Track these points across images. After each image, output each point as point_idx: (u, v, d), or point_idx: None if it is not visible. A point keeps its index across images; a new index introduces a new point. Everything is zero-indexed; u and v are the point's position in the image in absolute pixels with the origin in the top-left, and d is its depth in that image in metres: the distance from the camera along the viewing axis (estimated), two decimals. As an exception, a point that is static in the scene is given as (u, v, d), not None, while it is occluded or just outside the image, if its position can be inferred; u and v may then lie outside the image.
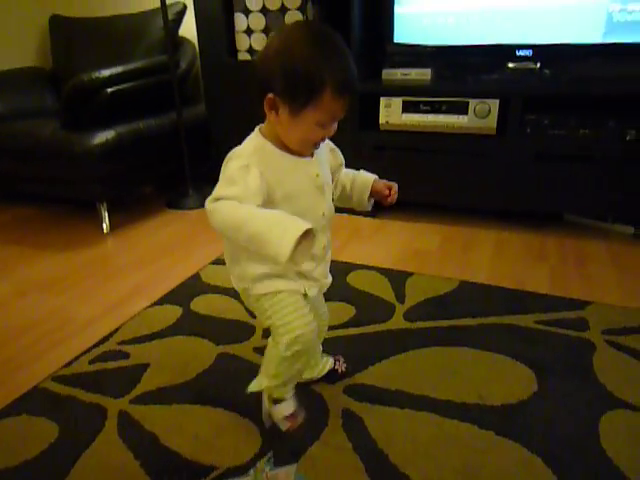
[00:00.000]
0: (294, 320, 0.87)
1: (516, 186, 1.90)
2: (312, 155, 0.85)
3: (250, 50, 2.16)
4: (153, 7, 2.41)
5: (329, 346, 1.19)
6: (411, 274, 1.63)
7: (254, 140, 0.83)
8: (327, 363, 1.15)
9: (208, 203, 0.77)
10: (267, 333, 1.32)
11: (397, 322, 1.37)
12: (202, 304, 1.49)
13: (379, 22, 2.11)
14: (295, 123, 0.77)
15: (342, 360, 1.18)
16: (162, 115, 2.30)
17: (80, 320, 1.45)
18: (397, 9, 2.05)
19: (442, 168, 1.98)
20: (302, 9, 2.03)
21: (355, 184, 0.97)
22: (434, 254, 1.80)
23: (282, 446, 0.95)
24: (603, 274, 1.61)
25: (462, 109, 1.87)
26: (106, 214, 2.10)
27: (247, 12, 2.10)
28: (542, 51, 1.91)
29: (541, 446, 0.95)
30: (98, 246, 1.99)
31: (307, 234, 0.69)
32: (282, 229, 0.69)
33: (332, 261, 0.98)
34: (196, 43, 2.33)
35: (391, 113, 1.97)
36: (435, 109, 1.91)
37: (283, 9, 2.05)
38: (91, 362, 1.25)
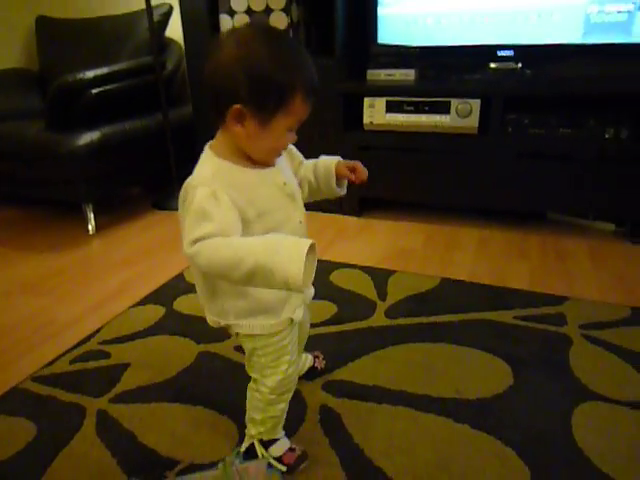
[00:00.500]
0: (279, 365, 0.84)
1: (498, 185, 1.92)
2: (274, 164, 0.80)
3: (235, 51, 2.16)
4: (139, 8, 2.41)
5: (309, 343, 1.19)
6: (394, 272, 1.64)
7: (209, 163, 0.76)
8: (307, 360, 1.16)
9: (187, 247, 0.69)
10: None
11: (378, 319, 1.38)
12: (185, 304, 1.50)
13: (363, 23, 2.13)
14: (265, 132, 0.72)
15: (321, 357, 1.19)
16: (148, 116, 2.30)
17: (62, 321, 1.46)
18: (380, 10, 2.07)
19: (426, 167, 2.00)
20: (286, 10, 2.04)
21: (318, 174, 0.91)
22: (417, 252, 1.81)
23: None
24: (582, 270, 1.64)
25: (444, 109, 1.88)
26: (92, 215, 2.10)
27: (232, 13, 2.11)
28: (523, 51, 1.93)
29: (514, 438, 0.96)
30: (83, 247, 1.99)
31: (311, 250, 0.64)
32: (285, 254, 0.63)
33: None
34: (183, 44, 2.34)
35: (375, 113, 1.99)
36: (418, 109, 1.93)
37: (268, 10, 2.06)
38: (72, 362, 1.25)
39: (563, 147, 1.81)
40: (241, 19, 2.09)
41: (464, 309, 1.41)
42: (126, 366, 1.22)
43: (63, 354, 1.28)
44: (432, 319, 1.37)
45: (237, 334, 0.85)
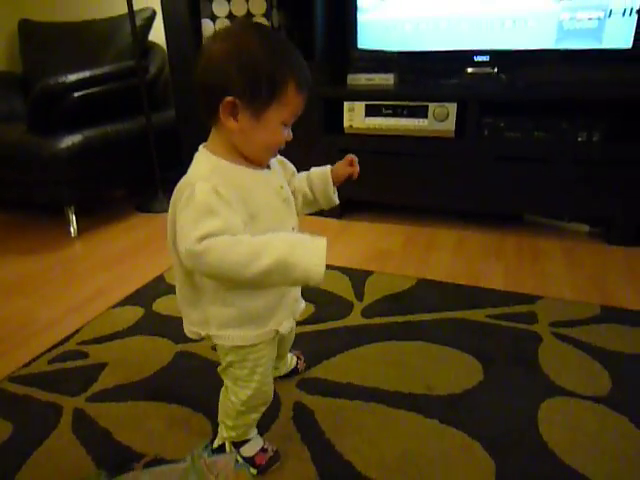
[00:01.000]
0: (252, 381, 0.83)
1: (476, 187, 1.96)
2: (268, 167, 0.80)
3: (217, 55, 2.19)
4: (123, 12, 2.42)
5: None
6: (372, 273, 1.67)
7: (205, 161, 0.74)
8: (292, 361, 1.17)
9: (193, 244, 0.65)
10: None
11: (354, 319, 1.41)
12: (164, 305, 1.51)
13: (343, 28, 2.16)
14: (259, 125, 0.71)
15: (303, 359, 1.20)
16: (131, 119, 2.31)
17: (42, 322, 1.46)
18: (360, 16, 2.10)
19: (405, 170, 2.03)
20: (268, 15, 2.07)
21: (314, 184, 0.90)
22: (396, 253, 1.84)
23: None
24: (556, 270, 1.68)
25: (422, 113, 1.92)
26: (74, 217, 2.11)
27: (214, 18, 2.14)
28: (498, 56, 1.98)
29: (481, 432, 0.99)
30: (65, 249, 1.99)
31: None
32: (305, 248, 0.64)
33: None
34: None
35: (354, 117, 2.02)
36: (397, 113, 1.96)
37: (249, 15, 2.08)
38: (50, 362, 1.26)
39: (538, 150, 1.85)
40: (223, 24, 2.12)
41: (438, 308, 1.44)
42: (104, 366, 1.24)
43: (41, 354, 1.29)
44: (407, 318, 1.40)
45: (216, 345, 0.83)
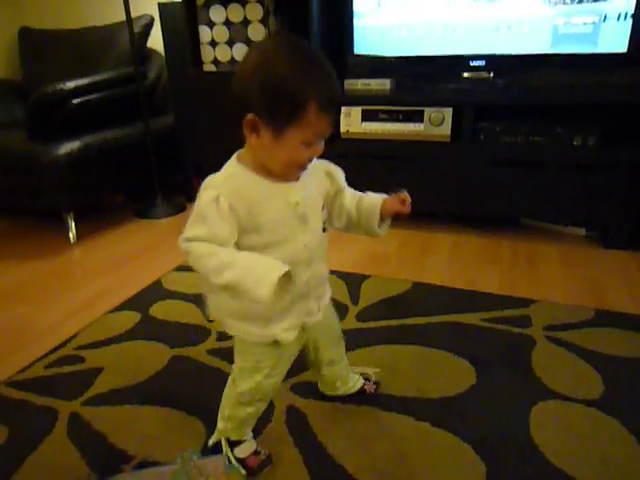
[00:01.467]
0: (254, 376, 0.87)
1: (472, 191, 1.96)
2: (297, 179, 0.79)
3: (215, 61, 2.21)
4: (122, 19, 2.45)
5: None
6: (368, 277, 1.68)
7: (228, 167, 0.77)
8: (357, 382, 1.11)
9: (181, 242, 0.74)
10: (222, 337, 1.36)
11: (349, 322, 1.41)
12: (161, 309, 1.52)
13: (340, 34, 2.18)
14: (278, 144, 0.71)
15: (373, 381, 1.13)
16: (130, 125, 2.33)
17: (40, 327, 1.47)
18: (356, 22, 2.12)
19: (402, 174, 2.04)
20: (264, 22, 2.09)
21: (361, 210, 0.87)
22: (392, 258, 1.85)
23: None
24: (551, 274, 1.68)
25: (418, 117, 1.93)
26: (73, 224, 2.12)
27: (211, 25, 2.16)
28: (494, 61, 1.99)
29: (473, 435, 1.00)
30: (64, 255, 2.01)
31: (286, 275, 0.67)
32: (258, 278, 0.67)
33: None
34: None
35: (351, 122, 2.03)
36: (393, 118, 1.98)
37: (246, 22, 2.10)
38: (46, 367, 1.27)
39: (534, 154, 1.86)
40: (219, 30, 2.14)
41: (433, 312, 1.44)
42: (100, 370, 1.25)
43: (38, 359, 1.30)
44: (401, 322, 1.41)
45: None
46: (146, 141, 2.34)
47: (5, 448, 1.01)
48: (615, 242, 1.86)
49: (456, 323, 1.39)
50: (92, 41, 2.58)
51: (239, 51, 2.15)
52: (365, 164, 2.06)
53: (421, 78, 2.15)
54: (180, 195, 2.54)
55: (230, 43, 2.15)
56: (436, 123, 1.91)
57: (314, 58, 0.71)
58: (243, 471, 0.90)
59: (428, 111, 1.91)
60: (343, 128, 2.06)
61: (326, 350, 1.00)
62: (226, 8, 2.10)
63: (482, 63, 2.01)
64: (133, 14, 2.23)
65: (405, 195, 0.88)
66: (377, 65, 2.20)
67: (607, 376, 1.16)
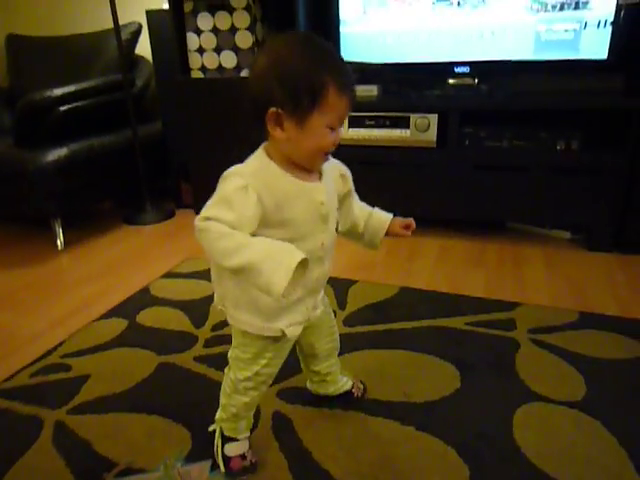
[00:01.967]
0: (252, 366, 0.88)
1: (458, 196, 1.98)
2: (320, 177, 0.82)
3: (202, 68, 2.22)
4: (110, 27, 2.45)
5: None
6: (355, 282, 1.69)
7: (257, 159, 0.78)
8: (347, 383, 1.12)
9: (199, 220, 0.72)
10: (208, 343, 1.37)
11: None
12: (148, 316, 1.52)
13: (326, 40, 2.19)
14: (303, 132, 0.73)
15: (362, 386, 1.15)
16: (117, 132, 2.33)
17: (26, 335, 1.47)
18: (343, 29, 2.14)
19: (389, 180, 2.06)
20: (252, 29, 2.10)
21: (369, 224, 0.94)
22: (379, 263, 1.87)
23: (209, 446, 0.99)
24: (536, 277, 1.70)
25: (404, 123, 1.95)
26: (60, 230, 2.11)
27: (199, 32, 2.17)
28: (478, 67, 2.01)
29: (457, 438, 1.01)
30: (51, 262, 2.00)
31: (302, 264, 0.68)
32: (277, 260, 0.67)
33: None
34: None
35: (338, 128, 2.05)
36: (379, 124, 2.00)
37: (233, 29, 2.12)
38: (32, 375, 1.26)
39: (518, 159, 1.88)
40: (207, 37, 2.15)
41: (419, 316, 1.46)
42: (86, 378, 1.24)
43: (23, 368, 1.29)
44: (388, 327, 1.42)
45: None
46: (134, 148, 2.34)
47: (-11, 458, 1.01)
48: (600, 245, 1.88)
49: (442, 327, 1.40)
50: (80, 48, 2.59)
51: (226, 58, 2.16)
52: (352, 170, 2.06)
53: (407, 84, 2.18)
54: (168, 201, 2.54)
55: (218, 50, 2.16)
56: (422, 129, 1.93)
57: (324, 47, 0.75)
58: (227, 478, 0.91)
59: (414, 117, 1.93)
60: (330, 134, 2.07)
61: (320, 342, 1.02)
62: (213, 16, 2.12)
63: (467, 69, 2.03)
64: (121, 21, 2.24)
65: (411, 221, 0.96)
66: (363, 72, 2.22)
67: (590, 378, 1.18)
